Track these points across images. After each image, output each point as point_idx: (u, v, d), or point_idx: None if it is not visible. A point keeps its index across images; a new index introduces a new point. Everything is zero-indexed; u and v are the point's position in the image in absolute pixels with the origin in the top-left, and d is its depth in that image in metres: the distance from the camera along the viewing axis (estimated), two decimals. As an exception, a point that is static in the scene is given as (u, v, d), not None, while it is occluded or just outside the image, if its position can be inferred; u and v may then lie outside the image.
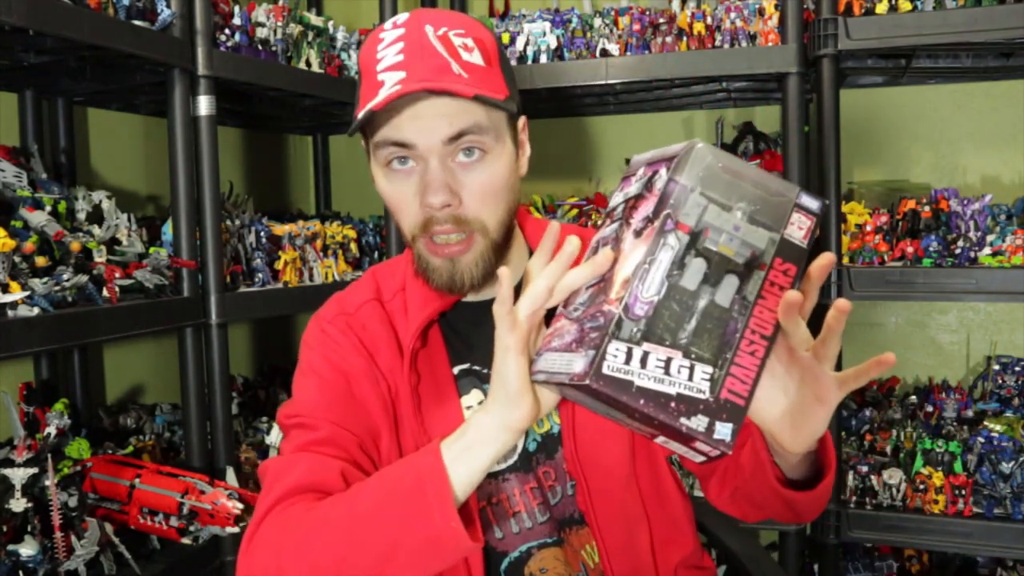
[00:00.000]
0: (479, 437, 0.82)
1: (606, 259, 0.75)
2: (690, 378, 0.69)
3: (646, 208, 0.75)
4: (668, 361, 0.69)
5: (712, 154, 0.74)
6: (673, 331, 0.70)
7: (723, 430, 0.69)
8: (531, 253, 1.06)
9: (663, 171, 0.75)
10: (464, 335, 1.06)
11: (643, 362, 0.69)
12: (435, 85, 0.89)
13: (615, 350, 0.69)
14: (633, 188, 0.80)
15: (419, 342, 1.02)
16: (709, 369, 0.69)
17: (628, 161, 0.87)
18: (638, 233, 0.74)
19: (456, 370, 1.04)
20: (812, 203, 0.74)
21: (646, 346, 0.69)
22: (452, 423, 0.89)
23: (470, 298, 1.04)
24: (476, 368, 1.05)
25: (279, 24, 1.90)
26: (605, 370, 0.68)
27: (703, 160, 0.73)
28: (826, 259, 0.72)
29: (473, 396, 1.03)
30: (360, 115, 0.91)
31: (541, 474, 1.03)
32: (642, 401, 0.68)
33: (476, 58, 0.94)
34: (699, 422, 0.68)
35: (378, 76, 0.92)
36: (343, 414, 0.99)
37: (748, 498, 0.97)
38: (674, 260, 0.71)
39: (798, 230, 0.74)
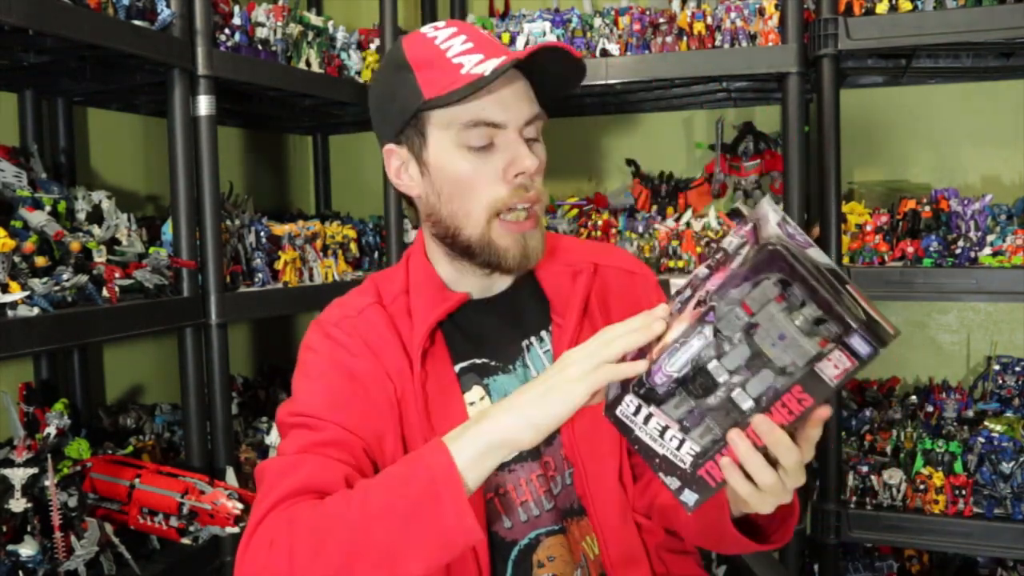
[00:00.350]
0: (494, 441, 0.85)
1: (653, 332, 0.82)
2: (678, 448, 0.79)
3: (714, 283, 0.76)
4: (665, 428, 0.80)
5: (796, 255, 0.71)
6: (679, 408, 0.79)
7: (690, 497, 0.80)
8: None
9: (748, 247, 0.74)
10: (466, 330, 1.07)
11: (646, 420, 0.81)
12: (563, 45, 0.98)
13: (629, 401, 0.82)
14: (731, 244, 0.80)
15: (428, 342, 1.03)
16: (697, 448, 0.79)
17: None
18: (697, 303, 0.78)
19: (458, 368, 1.06)
20: (863, 348, 0.70)
21: (653, 409, 0.80)
22: (456, 420, 0.93)
23: (472, 296, 1.08)
24: (479, 363, 1.06)
25: (279, 24, 1.90)
26: (618, 412, 0.83)
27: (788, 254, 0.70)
28: (823, 412, 0.74)
29: (474, 392, 1.05)
30: (489, 73, 0.93)
31: (544, 463, 1.05)
32: (637, 447, 0.82)
33: None
34: (672, 482, 0.80)
35: (453, 60, 0.97)
36: (349, 416, 0.99)
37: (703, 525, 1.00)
38: (704, 346, 0.76)
39: (833, 368, 0.71)
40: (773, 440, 0.75)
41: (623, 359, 0.83)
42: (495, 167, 0.99)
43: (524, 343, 1.08)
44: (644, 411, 0.81)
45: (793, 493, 0.87)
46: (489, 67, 0.95)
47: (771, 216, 0.76)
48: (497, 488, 1.04)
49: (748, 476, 0.78)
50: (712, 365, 0.76)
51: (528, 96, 1.00)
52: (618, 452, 1.06)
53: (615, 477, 1.06)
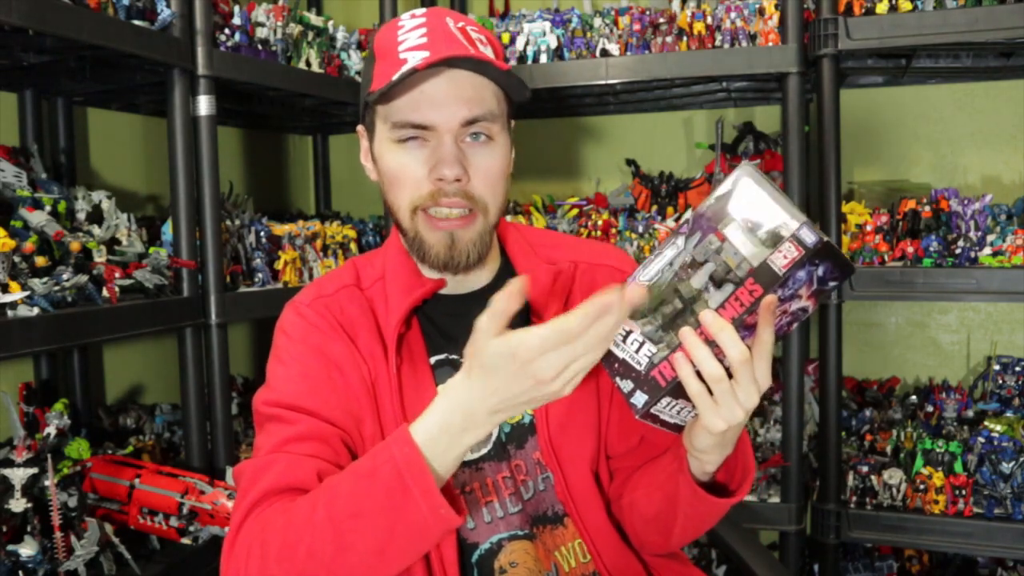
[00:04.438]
0: (466, 423, 0.81)
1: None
2: (636, 351, 0.84)
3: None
4: (627, 333, 0.84)
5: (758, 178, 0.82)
6: (648, 326, 0.83)
7: (640, 398, 0.84)
8: (504, 255, 1.11)
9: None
10: (442, 327, 1.06)
11: None
12: (472, 54, 0.93)
13: None
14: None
15: (403, 327, 1.02)
16: (654, 350, 0.83)
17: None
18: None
19: (433, 360, 1.05)
20: (809, 237, 0.76)
21: None
22: None
23: (448, 291, 1.06)
24: (453, 358, 1.05)
25: (279, 24, 1.90)
26: None
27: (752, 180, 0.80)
28: (769, 299, 0.77)
29: None
30: (396, 76, 0.92)
31: (514, 466, 1.04)
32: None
33: (489, 52, 0.99)
34: (626, 385, 0.85)
35: (400, 55, 0.95)
36: (325, 401, 0.98)
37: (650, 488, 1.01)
38: (675, 256, 0.82)
39: (783, 259, 0.77)
40: (717, 328, 0.78)
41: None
42: (421, 164, 0.97)
43: None
44: None
45: (739, 436, 0.91)
46: (429, 58, 0.93)
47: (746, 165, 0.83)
48: (464, 486, 1.02)
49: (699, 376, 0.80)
50: (682, 286, 0.82)
51: (473, 96, 0.96)
52: (596, 456, 1.06)
53: (596, 482, 1.05)
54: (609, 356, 0.85)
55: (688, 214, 0.83)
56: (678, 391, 0.83)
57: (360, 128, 1.07)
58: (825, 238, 0.75)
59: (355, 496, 0.84)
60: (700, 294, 0.81)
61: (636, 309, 0.83)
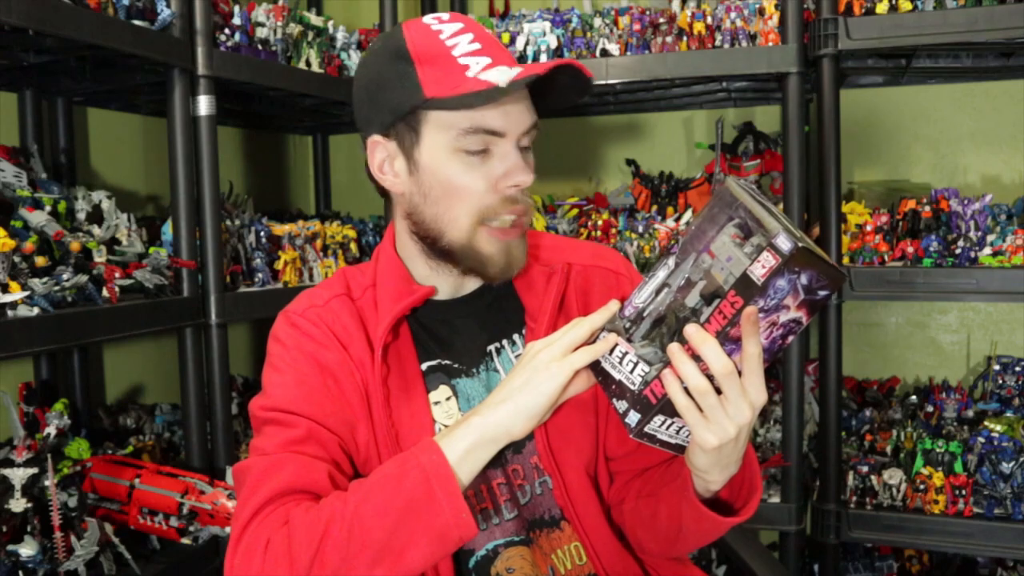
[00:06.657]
0: (486, 436, 0.88)
1: (610, 310, 0.90)
2: (631, 372, 0.86)
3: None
4: (624, 355, 0.86)
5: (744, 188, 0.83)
6: (639, 334, 0.86)
7: (633, 417, 0.85)
8: None
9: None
10: (433, 332, 1.06)
11: (611, 350, 0.88)
12: (578, 64, 0.95)
13: (601, 335, 0.89)
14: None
15: (390, 336, 1.02)
16: (647, 368, 0.85)
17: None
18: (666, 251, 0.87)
19: (424, 366, 1.05)
20: (785, 244, 0.75)
21: (619, 339, 0.87)
22: (419, 417, 1.00)
23: (441, 296, 1.06)
24: (445, 363, 1.05)
25: (279, 24, 1.90)
26: None
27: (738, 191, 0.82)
28: (749, 311, 0.77)
29: (441, 392, 1.04)
30: (504, 83, 0.90)
31: (510, 471, 1.03)
32: (600, 378, 0.89)
33: None
34: (621, 405, 0.86)
35: (459, 60, 0.95)
36: (320, 408, 0.98)
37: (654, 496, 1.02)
38: (667, 277, 0.84)
39: (761, 268, 0.76)
40: (699, 340, 0.79)
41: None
42: (488, 175, 0.96)
43: (493, 346, 1.06)
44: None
45: (746, 456, 0.92)
46: (499, 75, 0.92)
47: (731, 180, 0.85)
48: None
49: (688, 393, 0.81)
50: (677, 306, 0.83)
51: (528, 105, 0.98)
52: (594, 458, 1.06)
53: (595, 485, 1.05)
54: (607, 378, 0.87)
55: (684, 233, 0.84)
56: (671, 409, 0.83)
57: (377, 139, 1.01)
58: (801, 244, 0.74)
59: (382, 496, 0.86)
60: (693, 313, 0.81)
61: (631, 330, 0.85)
